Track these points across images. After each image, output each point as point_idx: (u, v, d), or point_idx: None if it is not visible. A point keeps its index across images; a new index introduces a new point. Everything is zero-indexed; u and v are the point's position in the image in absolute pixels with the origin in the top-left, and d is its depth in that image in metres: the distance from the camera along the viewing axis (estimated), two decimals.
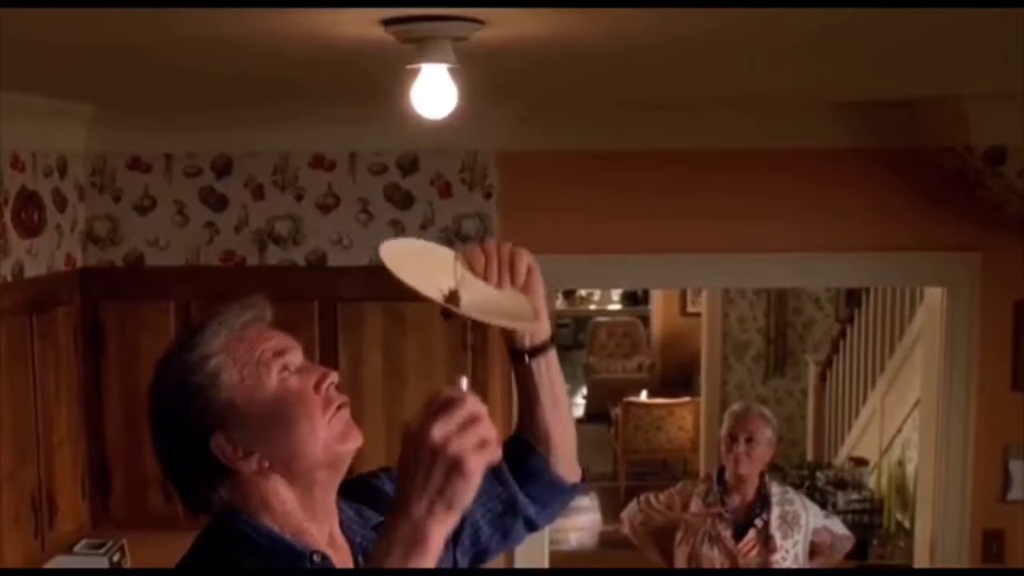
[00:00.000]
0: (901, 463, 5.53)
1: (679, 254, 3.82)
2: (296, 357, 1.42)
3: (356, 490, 1.57)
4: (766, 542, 3.48)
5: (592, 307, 13.05)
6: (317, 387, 1.39)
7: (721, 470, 3.59)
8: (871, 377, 6.22)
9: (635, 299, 12.73)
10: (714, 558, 3.50)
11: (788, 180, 3.78)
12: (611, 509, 8.21)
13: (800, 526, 3.52)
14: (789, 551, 3.48)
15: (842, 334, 6.81)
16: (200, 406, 1.36)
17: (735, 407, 3.72)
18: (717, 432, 8.32)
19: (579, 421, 10.68)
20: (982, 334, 3.85)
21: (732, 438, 3.53)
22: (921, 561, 4.18)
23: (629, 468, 8.49)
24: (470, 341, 3.55)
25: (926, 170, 3.73)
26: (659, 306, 11.06)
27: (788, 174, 3.77)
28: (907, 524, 5.24)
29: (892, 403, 5.84)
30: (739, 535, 3.49)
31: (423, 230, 3.56)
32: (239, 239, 3.61)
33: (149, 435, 1.45)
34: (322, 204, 3.60)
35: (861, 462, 5.88)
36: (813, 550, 3.57)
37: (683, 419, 8.32)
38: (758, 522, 3.49)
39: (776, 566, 3.46)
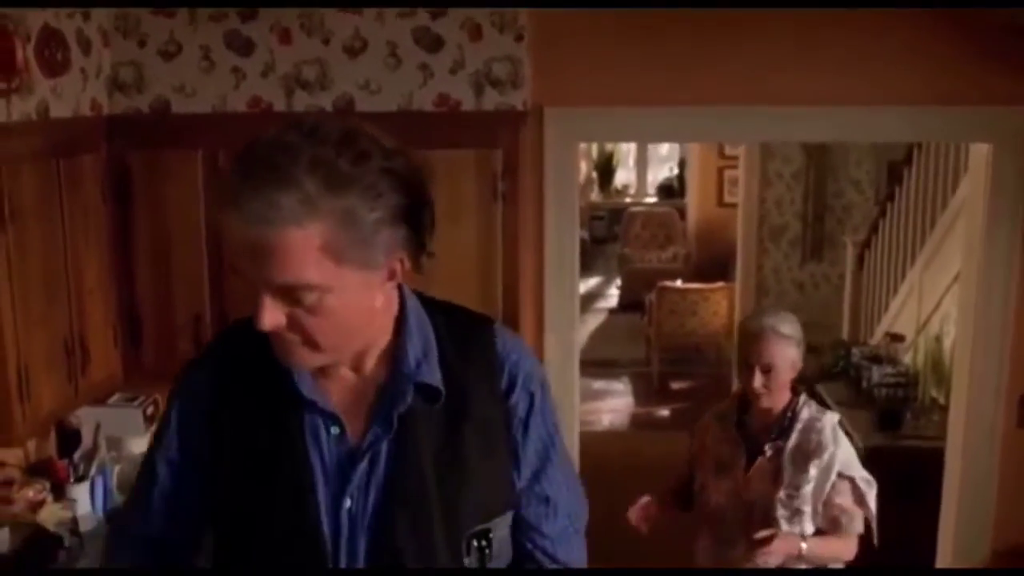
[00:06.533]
0: (938, 338, 5.45)
1: (714, 106, 3.70)
2: None
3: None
4: (775, 475, 2.88)
5: (627, 200, 12.93)
6: None
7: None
8: (910, 255, 6.10)
9: (671, 192, 12.60)
10: (719, 489, 3.00)
11: (829, 28, 3.63)
12: (643, 393, 8.25)
13: (821, 460, 2.85)
14: (799, 490, 2.85)
15: (882, 213, 6.67)
16: None
17: (749, 322, 3.01)
18: None
19: (612, 311, 10.73)
20: None
21: (748, 367, 2.90)
22: (955, 433, 4.12)
23: (662, 354, 8.49)
24: (501, 190, 3.48)
25: (975, 17, 3.56)
26: (695, 197, 10.92)
27: (829, 21, 3.62)
28: (942, 400, 5.18)
29: (931, 278, 5.74)
30: (752, 461, 2.94)
31: (452, 74, 3.47)
32: (266, 84, 3.53)
33: None
34: (349, 48, 3.50)
35: (897, 337, 5.80)
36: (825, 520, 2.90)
37: (718, 304, 8.28)
38: (768, 449, 2.91)
39: (780, 507, 2.86)
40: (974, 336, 3.97)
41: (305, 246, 1.24)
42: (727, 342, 8.24)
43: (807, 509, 2.85)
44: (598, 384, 8.30)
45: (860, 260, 6.98)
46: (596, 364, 8.38)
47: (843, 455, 2.89)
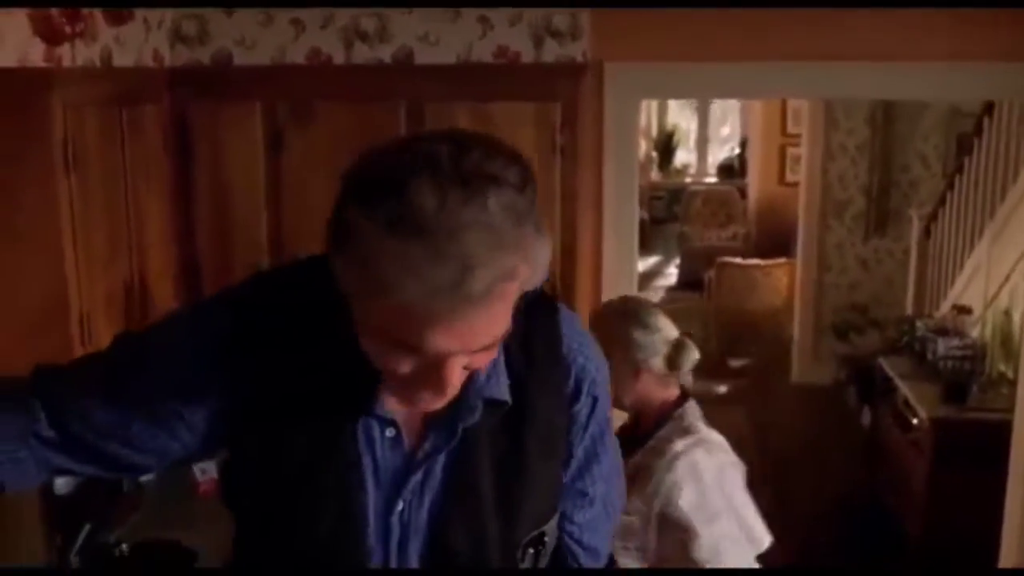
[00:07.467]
0: (1008, 312, 5.31)
1: (780, 61, 3.63)
2: None
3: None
4: None
5: (688, 180, 12.81)
6: None
7: None
8: (978, 228, 5.95)
9: (731, 172, 12.45)
10: None
11: None
12: (701, 370, 8.12)
13: (647, 494, 2.26)
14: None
15: (950, 185, 6.51)
16: None
17: None
18: (812, 294, 8.11)
19: (671, 289, 10.62)
20: None
21: None
22: (1023, 407, 4.01)
23: (721, 331, 8.38)
24: (559, 143, 3.45)
25: None
26: (756, 175, 10.76)
27: None
28: (1010, 374, 5.04)
29: (1000, 251, 5.59)
30: None
31: (512, 26, 3.44)
32: (325, 36, 3.54)
33: None
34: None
35: (964, 310, 5.67)
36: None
37: (778, 280, 8.16)
38: None
39: None
40: None
41: (512, 295, 1.12)
42: (787, 319, 8.12)
43: (619, 544, 2.20)
44: None
45: (926, 233, 6.83)
46: None
47: (667, 490, 2.26)
